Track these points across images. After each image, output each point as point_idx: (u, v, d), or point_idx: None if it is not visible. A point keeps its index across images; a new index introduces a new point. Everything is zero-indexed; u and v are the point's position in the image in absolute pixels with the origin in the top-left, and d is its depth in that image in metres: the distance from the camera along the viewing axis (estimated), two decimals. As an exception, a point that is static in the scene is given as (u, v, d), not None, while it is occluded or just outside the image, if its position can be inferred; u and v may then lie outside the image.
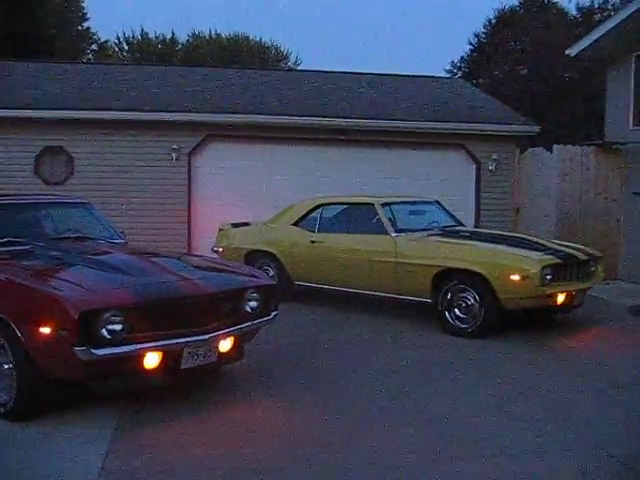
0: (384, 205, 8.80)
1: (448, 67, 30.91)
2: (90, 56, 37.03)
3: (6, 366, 4.93)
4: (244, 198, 12.39)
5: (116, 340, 4.61)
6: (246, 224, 10.50)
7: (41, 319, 4.57)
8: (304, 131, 12.63)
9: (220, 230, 10.40)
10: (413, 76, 16.57)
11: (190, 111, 12.31)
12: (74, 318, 4.44)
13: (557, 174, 11.94)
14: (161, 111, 12.21)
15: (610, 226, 12.09)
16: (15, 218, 6.40)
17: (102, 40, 39.47)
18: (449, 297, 7.91)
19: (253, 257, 9.64)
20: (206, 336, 5.06)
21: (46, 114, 11.87)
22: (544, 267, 7.51)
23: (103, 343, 4.56)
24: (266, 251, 9.51)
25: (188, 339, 4.97)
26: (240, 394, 5.66)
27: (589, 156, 12.00)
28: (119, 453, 4.46)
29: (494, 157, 13.08)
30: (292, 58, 45.56)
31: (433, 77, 17.09)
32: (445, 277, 7.95)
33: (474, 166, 13.25)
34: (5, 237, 6.00)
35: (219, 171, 12.51)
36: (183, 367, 5.05)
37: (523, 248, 8.02)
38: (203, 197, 12.51)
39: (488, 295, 7.64)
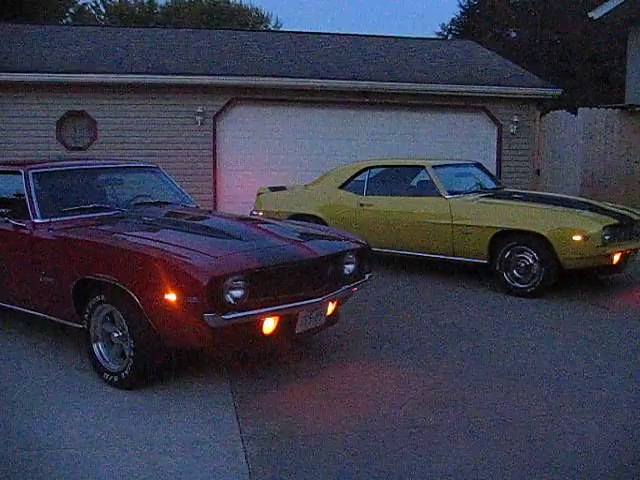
0: (435, 167, 8.80)
1: (438, 29, 30.81)
2: (69, 19, 36.08)
3: (116, 334, 4.88)
4: (270, 162, 12.30)
5: (239, 306, 4.56)
6: (282, 188, 10.41)
7: (166, 286, 4.47)
8: (328, 94, 12.52)
9: (259, 194, 10.28)
10: (424, 38, 16.49)
11: (215, 74, 12.10)
12: (204, 284, 4.37)
13: (582, 136, 12.04)
14: (185, 74, 11.99)
15: (632, 187, 12.25)
16: (90, 184, 6.26)
17: (80, 3, 38.51)
18: (507, 258, 7.98)
19: (297, 221, 9.56)
20: (320, 299, 5.04)
21: (68, 78, 11.59)
22: (604, 227, 7.60)
23: (228, 309, 4.50)
24: (312, 214, 9.43)
25: (303, 302, 4.95)
26: (339, 358, 5.66)
27: (613, 119, 12.10)
28: (249, 419, 4.44)
29: (515, 119, 13.13)
30: (272, 21, 45.11)
31: (445, 39, 16.98)
32: (503, 238, 7.99)
33: (495, 128, 13.29)
34: (90, 203, 5.90)
35: (244, 135, 12.38)
36: (297, 331, 5.03)
37: (580, 209, 8.10)
38: (228, 161, 12.38)
39: (548, 255, 7.70)
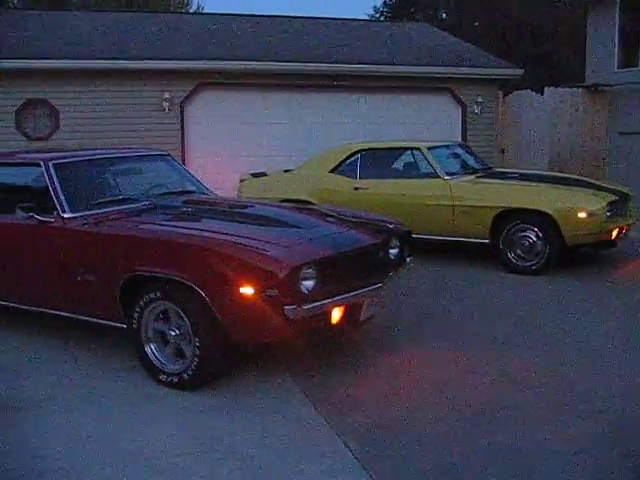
0: (430, 149, 8.75)
1: (370, 12, 30.81)
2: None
3: (173, 333, 4.61)
4: (240, 148, 12.01)
5: (311, 296, 4.37)
6: (264, 174, 10.17)
7: (242, 280, 4.21)
8: (296, 77, 12.31)
9: (242, 180, 9.99)
10: (376, 21, 16.43)
11: (181, 58, 11.68)
12: (284, 276, 4.17)
13: (549, 115, 12.24)
14: (150, 59, 11.52)
15: (596, 164, 12.57)
16: (109, 174, 5.91)
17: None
18: (510, 236, 8.02)
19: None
20: (381, 284, 4.92)
21: (26, 64, 10.92)
22: (608, 204, 7.75)
23: (303, 300, 4.31)
24: (303, 199, 9.20)
25: (369, 289, 4.81)
26: (386, 343, 5.54)
27: (578, 98, 12.36)
28: (332, 413, 4.26)
29: (479, 100, 13.25)
30: (194, 4, 44.18)
31: (395, 22, 16.97)
32: (506, 217, 8.03)
33: (459, 109, 13.39)
34: (115, 194, 5.58)
35: (213, 120, 12.03)
36: (362, 318, 4.89)
37: (579, 187, 8.23)
38: (198, 148, 12.00)
39: (552, 233, 7.79)
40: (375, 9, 30.48)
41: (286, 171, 10.24)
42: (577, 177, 9.01)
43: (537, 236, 7.89)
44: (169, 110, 11.65)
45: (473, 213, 8.20)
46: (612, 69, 12.28)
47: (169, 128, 11.72)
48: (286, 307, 4.20)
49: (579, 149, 12.41)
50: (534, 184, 8.27)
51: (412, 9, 29.74)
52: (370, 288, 4.83)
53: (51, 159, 5.41)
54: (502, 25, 22.51)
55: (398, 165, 9.06)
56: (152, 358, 4.72)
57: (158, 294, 4.57)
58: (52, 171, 5.30)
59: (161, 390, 4.62)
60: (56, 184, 5.23)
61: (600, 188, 8.37)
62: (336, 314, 4.65)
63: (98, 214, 5.16)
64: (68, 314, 5.19)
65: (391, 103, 13.07)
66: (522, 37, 21.58)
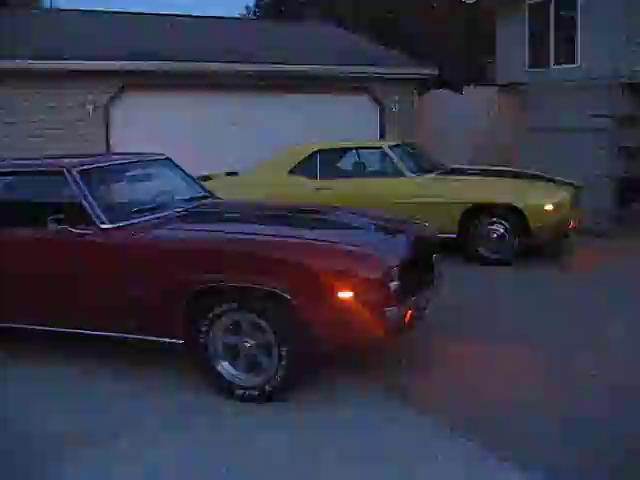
0: (391, 148, 8.86)
1: (243, 12, 30.59)
2: None
3: (247, 345, 4.38)
4: (168, 152, 11.50)
5: (395, 297, 4.33)
6: (208, 177, 9.85)
7: (341, 284, 4.09)
8: (222, 77, 12.02)
9: (190, 185, 9.62)
10: (280, 22, 16.34)
11: (104, 59, 11.06)
12: (382, 277, 4.15)
13: (469, 113, 12.74)
14: (70, 59, 10.81)
15: (508, 160, 13.19)
16: (128, 181, 5.59)
17: None
18: (478, 230, 8.29)
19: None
20: (439, 282, 4.98)
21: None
22: (571, 196, 8.23)
23: (394, 300, 4.25)
24: (264, 203, 9.03)
25: (432, 287, 4.86)
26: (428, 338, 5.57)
27: (493, 96, 12.96)
28: (437, 411, 4.24)
29: (396, 99, 13.55)
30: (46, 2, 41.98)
31: (301, 22, 17.01)
32: (473, 212, 8.29)
33: (377, 108, 13.63)
34: (140, 202, 5.24)
35: (140, 124, 11.45)
36: (426, 316, 4.90)
37: (541, 181, 8.67)
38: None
39: (519, 225, 8.14)
40: (247, 9, 30.35)
41: (228, 174, 9.99)
42: (533, 172, 9.44)
43: (505, 229, 8.21)
44: (93, 113, 10.99)
45: (442, 209, 8.38)
46: (523, 68, 12.98)
47: (94, 132, 11.07)
48: (386, 308, 4.14)
49: (496, 145, 13.00)
50: (497, 179, 8.60)
51: (282, 9, 29.80)
52: (433, 286, 4.87)
53: (74, 165, 4.98)
54: (377, 27, 23.02)
55: (359, 164, 9.11)
56: (224, 373, 4.47)
57: (234, 305, 4.33)
58: (78, 179, 4.88)
59: (245, 406, 4.36)
60: (86, 193, 4.83)
61: (556, 182, 8.82)
62: (409, 313, 4.62)
63: (136, 223, 4.82)
64: (113, 334, 4.79)
65: (311, 103, 13.06)
66: (398, 38, 22.17)
